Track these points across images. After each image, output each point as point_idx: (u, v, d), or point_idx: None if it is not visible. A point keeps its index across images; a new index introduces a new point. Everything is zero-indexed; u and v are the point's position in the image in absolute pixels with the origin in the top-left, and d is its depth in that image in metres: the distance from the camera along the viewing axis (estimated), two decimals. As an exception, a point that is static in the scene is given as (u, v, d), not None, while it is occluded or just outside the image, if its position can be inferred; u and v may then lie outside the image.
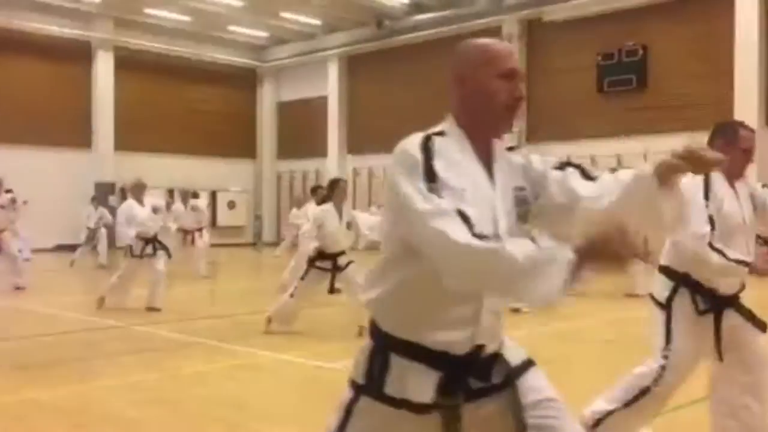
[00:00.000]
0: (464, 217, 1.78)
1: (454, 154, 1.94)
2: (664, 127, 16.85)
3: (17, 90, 21.94)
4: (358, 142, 24.60)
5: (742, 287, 3.60)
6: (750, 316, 3.51)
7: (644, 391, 3.46)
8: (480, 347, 1.99)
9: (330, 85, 25.86)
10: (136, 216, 9.51)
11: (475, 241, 1.75)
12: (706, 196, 3.36)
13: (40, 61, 22.63)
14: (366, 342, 2.09)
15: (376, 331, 2.06)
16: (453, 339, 1.96)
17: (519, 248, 1.75)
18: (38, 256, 17.77)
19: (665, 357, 3.45)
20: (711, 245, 3.32)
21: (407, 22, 22.69)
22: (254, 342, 7.49)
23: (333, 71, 25.74)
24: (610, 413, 3.50)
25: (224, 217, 26.85)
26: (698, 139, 2.33)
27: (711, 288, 3.48)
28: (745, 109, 15.58)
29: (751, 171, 3.82)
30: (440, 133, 1.99)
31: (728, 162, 2.55)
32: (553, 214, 2.08)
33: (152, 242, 9.67)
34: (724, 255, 3.32)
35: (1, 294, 11.24)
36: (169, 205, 13.64)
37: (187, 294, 11.59)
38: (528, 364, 2.09)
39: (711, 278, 3.47)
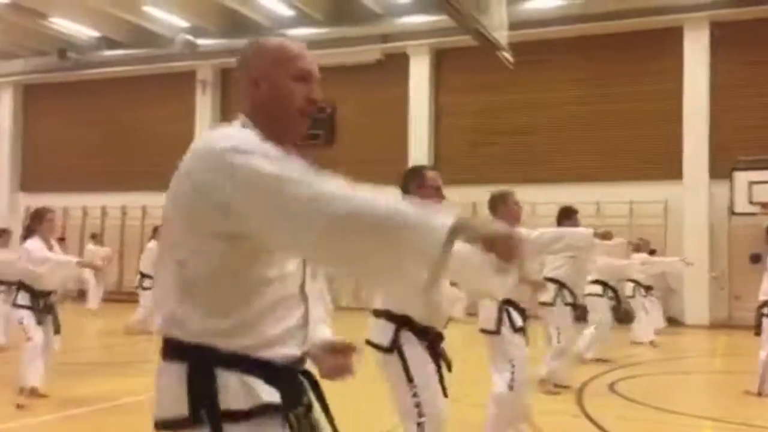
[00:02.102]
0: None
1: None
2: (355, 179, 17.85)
3: None
4: (34, 180, 22.47)
5: None
6: None
7: None
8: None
9: (2, 116, 23.33)
10: None
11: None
12: None
13: None
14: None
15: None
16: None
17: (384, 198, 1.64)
18: None
19: None
20: None
21: (95, 56, 21.49)
22: None
23: (6, 101, 23.31)
24: None
25: None
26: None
27: None
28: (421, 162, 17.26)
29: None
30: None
31: (424, 199, 2.84)
32: None
33: None
34: None
35: None
36: None
37: None
38: None
39: None
